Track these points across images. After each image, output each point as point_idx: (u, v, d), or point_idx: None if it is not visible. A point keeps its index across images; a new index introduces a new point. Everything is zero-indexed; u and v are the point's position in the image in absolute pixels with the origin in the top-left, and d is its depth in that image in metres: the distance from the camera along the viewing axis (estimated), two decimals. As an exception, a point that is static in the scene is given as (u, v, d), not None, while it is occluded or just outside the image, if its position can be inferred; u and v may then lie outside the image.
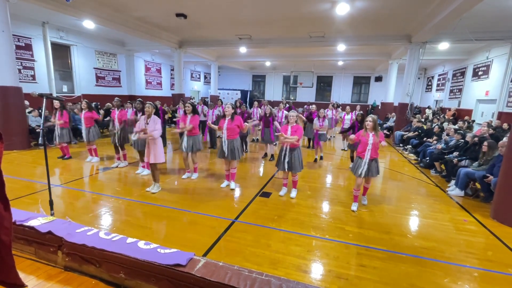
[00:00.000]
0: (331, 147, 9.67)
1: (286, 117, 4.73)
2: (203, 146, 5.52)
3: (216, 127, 4.88)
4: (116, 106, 5.87)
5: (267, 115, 6.92)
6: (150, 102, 4.59)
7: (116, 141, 5.82)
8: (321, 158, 7.42)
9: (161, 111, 7.87)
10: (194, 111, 5.16)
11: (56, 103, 6.13)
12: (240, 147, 4.81)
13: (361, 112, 6.72)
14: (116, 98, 5.88)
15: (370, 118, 4.01)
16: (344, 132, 7.66)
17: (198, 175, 5.48)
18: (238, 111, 7.76)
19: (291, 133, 4.30)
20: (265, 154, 7.50)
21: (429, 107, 15.89)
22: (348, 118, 8.64)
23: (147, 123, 4.41)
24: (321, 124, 6.94)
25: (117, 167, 5.99)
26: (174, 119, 9.28)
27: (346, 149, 8.83)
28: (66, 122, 6.15)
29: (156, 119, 4.44)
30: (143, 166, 5.67)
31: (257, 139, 10.04)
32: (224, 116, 4.72)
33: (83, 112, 6.15)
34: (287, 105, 11.20)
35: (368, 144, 3.94)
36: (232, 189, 4.83)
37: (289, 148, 4.32)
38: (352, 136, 4.19)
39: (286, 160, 4.33)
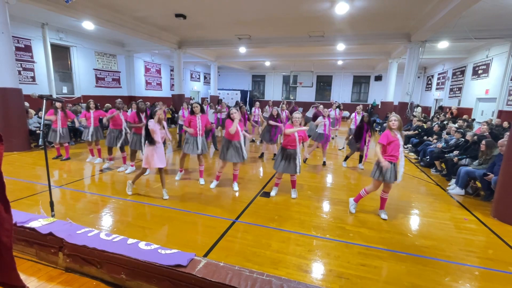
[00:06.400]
0: (331, 146, 9.65)
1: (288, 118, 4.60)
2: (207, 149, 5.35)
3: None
4: (118, 108, 5.75)
5: (275, 116, 6.87)
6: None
7: (121, 143, 5.74)
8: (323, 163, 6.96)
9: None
10: (202, 110, 5.12)
11: (58, 104, 6.18)
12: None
13: (366, 113, 6.65)
14: (119, 100, 5.81)
15: (394, 118, 3.60)
16: (358, 139, 6.25)
17: (194, 174, 5.45)
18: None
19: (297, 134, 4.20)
20: (262, 154, 7.52)
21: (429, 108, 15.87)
22: (358, 119, 8.39)
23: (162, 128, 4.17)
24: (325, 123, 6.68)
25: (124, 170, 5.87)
26: (175, 119, 9.23)
27: (342, 148, 8.76)
28: (67, 121, 6.33)
29: (164, 124, 4.29)
30: (132, 165, 5.75)
31: (261, 140, 10.01)
32: (230, 117, 4.52)
33: (92, 111, 6.14)
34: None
35: (400, 145, 3.54)
36: (236, 191, 4.81)
37: (289, 149, 4.28)
38: (379, 147, 3.65)
39: (285, 161, 4.29)
